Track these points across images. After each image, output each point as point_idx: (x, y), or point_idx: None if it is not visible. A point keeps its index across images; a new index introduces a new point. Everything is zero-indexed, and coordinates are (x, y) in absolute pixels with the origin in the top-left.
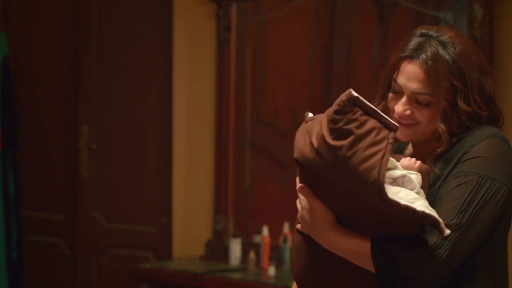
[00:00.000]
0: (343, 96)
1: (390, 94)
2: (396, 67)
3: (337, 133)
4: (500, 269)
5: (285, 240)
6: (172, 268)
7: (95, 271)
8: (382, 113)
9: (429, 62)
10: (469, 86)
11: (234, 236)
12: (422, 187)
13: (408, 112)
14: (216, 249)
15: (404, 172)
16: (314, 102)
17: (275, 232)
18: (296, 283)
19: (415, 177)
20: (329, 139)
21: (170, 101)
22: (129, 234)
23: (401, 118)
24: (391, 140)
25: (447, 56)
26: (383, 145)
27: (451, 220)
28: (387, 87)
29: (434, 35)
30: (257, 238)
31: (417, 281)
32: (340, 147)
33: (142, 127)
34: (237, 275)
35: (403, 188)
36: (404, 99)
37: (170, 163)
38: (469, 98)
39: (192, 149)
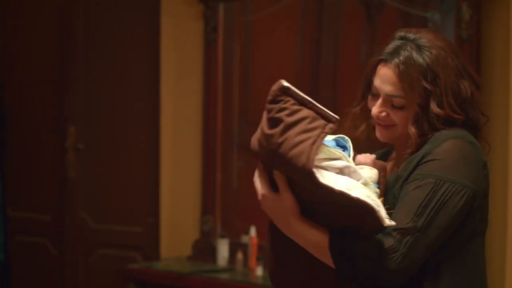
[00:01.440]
0: (274, 86)
1: (370, 96)
2: (373, 70)
3: (272, 122)
4: (473, 268)
5: None
6: (160, 269)
7: (83, 271)
8: (318, 104)
9: (401, 66)
10: (442, 90)
11: (222, 236)
12: (378, 182)
13: (383, 114)
14: (204, 249)
15: (347, 163)
16: None
17: (263, 233)
18: (270, 279)
19: (369, 171)
20: (265, 128)
21: (157, 101)
22: (117, 234)
23: (378, 119)
24: (327, 130)
25: (420, 60)
26: (315, 132)
27: (407, 223)
28: (366, 88)
29: (412, 38)
30: (244, 239)
31: (375, 278)
32: (272, 135)
33: (129, 127)
34: (225, 276)
35: (345, 177)
36: (380, 101)
37: (157, 163)
38: (442, 101)
39: (180, 149)
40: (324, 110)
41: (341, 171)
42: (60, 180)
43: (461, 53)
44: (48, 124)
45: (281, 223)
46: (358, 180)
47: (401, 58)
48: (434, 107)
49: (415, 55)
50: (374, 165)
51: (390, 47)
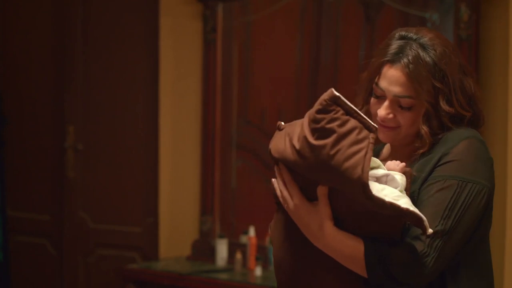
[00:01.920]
0: (325, 96)
1: (372, 99)
2: (378, 72)
3: (320, 133)
4: (485, 266)
5: (271, 241)
6: (159, 269)
7: (82, 271)
8: (362, 114)
9: (411, 66)
10: (451, 87)
11: (221, 236)
12: (405, 188)
13: (391, 115)
14: (203, 249)
15: (387, 171)
16: (300, 102)
17: (262, 233)
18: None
19: (400, 178)
20: (311, 139)
21: (156, 101)
22: (116, 234)
23: (383, 121)
24: (371, 140)
25: (428, 59)
26: (365, 143)
27: (436, 227)
28: (369, 92)
29: (414, 37)
30: (243, 239)
31: (406, 284)
32: (323, 146)
33: (128, 127)
34: (224, 276)
35: (387, 186)
36: (386, 103)
37: (156, 163)
38: (451, 99)
39: (179, 149)
40: (366, 120)
41: (377, 179)
42: (59, 180)
43: (458, 50)
44: (47, 124)
45: (313, 233)
46: (395, 188)
47: (409, 58)
48: (444, 105)
49: (421, 54)
50: (402, 171)
51: (394, 47)
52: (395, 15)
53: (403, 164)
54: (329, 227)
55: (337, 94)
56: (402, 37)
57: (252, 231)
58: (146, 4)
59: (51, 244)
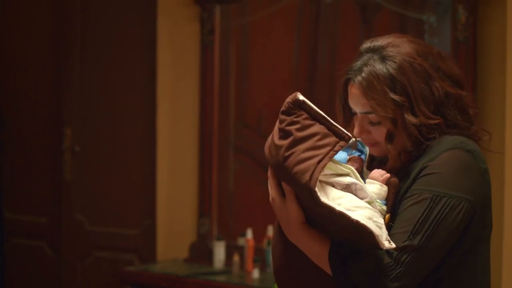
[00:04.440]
0: (289, 98)
1: (354, 116)
2: (346, 91)
3: (282, 133)
4: (476, 276)
5: (269, 243)
6: (156, 271)
7: (79, 274)
8: (331, 121)
9: (364, 83)
10: (412, 98)
11: (218, 238)
12: (386, 199)
13: (364, 133)
14: (200, 251)
15: (356, 181)
16: None
17: (259, 235)
18: (276, 281)
19: (378, 188)
20: (275, 138)
21: (154, 103)
22: (113, 236)
23: (361, 139)
24: (337, 148)
25: (384, 72)
26: (323, 150)
27: (404, 241)
28: (347, 112)
29: (377, 48)
30: (241, 241)
31: None
32: (280, 147)
33: (126, 129)
34: (221, 278)
35: (350, 195)
36: (358, 121)
37: (154, 166)
38: (414, 109)
39: (176, 151)
40: (337, 127)
41: (348, 187)
42: (57, 182)
43: (433, 53)
44: (44, 126)
45: (285, 228)
46: (363, 198)
47: (363, 74)
48: (408, 116)
49: (378, 68)
50: (385, 182)
51: (355, 64)
52: (392, 17)
53: (387, 175)
54: (296, 223)
55: (302, 98)
56: (366, 50)
57: (249, 233)
58: (144, 6)
59: (49, 247)
